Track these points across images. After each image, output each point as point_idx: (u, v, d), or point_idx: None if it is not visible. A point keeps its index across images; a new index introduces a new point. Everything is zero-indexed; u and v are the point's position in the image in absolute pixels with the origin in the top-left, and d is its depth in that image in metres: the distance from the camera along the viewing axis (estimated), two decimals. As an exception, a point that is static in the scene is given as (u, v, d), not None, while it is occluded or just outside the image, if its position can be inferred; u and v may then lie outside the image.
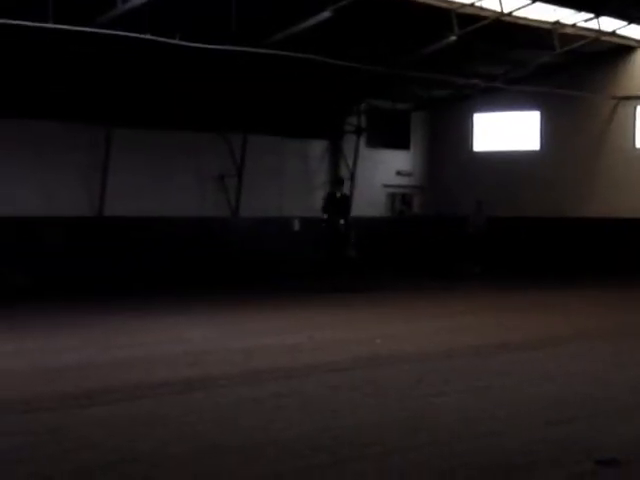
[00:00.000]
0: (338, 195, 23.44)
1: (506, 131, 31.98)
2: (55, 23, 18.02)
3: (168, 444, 8.15)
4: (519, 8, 25.10)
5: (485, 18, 24.71)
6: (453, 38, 24.64)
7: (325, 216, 23.16)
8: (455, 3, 24.09)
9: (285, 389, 10.60)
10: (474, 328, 15.96)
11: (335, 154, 29.93)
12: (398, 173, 31.90)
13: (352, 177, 29.61)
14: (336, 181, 25.05)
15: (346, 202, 23.59)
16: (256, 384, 10.94)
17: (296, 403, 9.85)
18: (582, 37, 27.60)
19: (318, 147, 29.51)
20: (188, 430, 8.66)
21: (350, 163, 29.86)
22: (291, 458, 7.72)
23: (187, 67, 22.42)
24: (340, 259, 22.81)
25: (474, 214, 30.53)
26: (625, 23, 27.79)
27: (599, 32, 27.59)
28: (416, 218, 32.27)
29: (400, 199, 32.37)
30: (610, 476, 7.26)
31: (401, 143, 32.07)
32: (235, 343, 14.08)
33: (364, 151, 30.32)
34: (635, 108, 30.09)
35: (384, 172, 31.23)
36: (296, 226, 27.36)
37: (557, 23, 26.48)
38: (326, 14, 21.74)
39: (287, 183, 28.26)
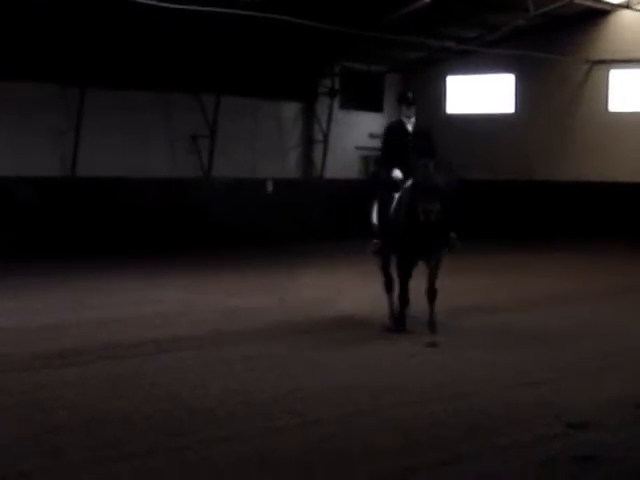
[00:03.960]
0: (409, 128, 12.78)
1: (481, 94, 31.90)
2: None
3: (140, 405, 8.17)
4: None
5: (459, -20, 24.62)
6: (427, 0, 24.51)
7: (395, 174, 12.68)
8: (430, -35, 23.94)
9: (255, 351, 10.61)
10: (447, 290, 15.95)
11: (309, 116, 29.81)
12: (371, 135, 31.81)
13: (325, 139, 29.56)
14: (405, 99, 12.78)
15: (428, 139, 13.19)
16: (226, 346, 10.94)
17: (266, 365, 9.86)
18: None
19: (291, 109, 29.38)
20: (160, 391, 8.68)
21: (324, 125, 29.74)
22: (260, 420, 7.75)
23: (160, 27, 22.21)
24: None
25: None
26: (600, -14, 27.76)
27: (574, -6, 27.51)
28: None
29: (373, 162, 32.27)
30: (580, 439, 7.31)
31: (375, 105, 31.95)
32: (206, 305, 14.06)
33: (338, 113, 30.22)
34: (608, 72, 30.05)
35: (357, 134, 31.13)
36: (269, 187, 27.22)
37: (532, -15, 26.38)
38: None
39: (260, 144, 28.12)
